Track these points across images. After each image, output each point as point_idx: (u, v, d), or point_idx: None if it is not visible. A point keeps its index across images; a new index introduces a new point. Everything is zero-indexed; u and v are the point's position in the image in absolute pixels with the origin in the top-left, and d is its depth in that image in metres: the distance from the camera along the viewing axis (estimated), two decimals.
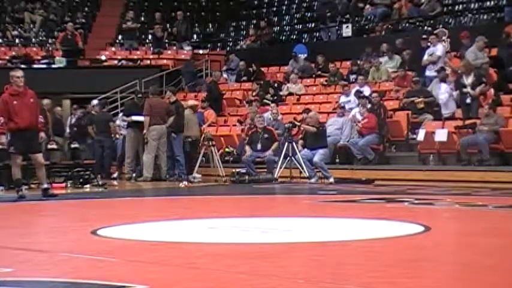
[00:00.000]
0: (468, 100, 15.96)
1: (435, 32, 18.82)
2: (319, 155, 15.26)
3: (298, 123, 16.33)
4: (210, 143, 16.49)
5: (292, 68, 21.70)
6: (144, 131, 16.15)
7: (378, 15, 22.10)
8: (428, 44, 18.25)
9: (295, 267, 5.36)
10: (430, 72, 17.80)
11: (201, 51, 25.22)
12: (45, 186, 12.13)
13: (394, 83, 18.77)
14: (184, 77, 23.27)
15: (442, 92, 16.56)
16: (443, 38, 18.54)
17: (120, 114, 18.79)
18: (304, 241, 6.82)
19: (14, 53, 23.76)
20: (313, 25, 24.53)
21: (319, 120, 16.04)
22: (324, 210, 10.16)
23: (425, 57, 17.97)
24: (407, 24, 21.61)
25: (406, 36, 19.99)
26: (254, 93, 20.72)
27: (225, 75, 23.34)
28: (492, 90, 16.15)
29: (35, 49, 24.76)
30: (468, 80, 16.02)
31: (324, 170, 15.23)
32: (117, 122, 18.51)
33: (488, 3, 20.89)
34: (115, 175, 17.45)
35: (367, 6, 22.58)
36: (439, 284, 4.77)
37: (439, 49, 17.85)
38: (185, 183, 15.23)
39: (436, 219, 9.05)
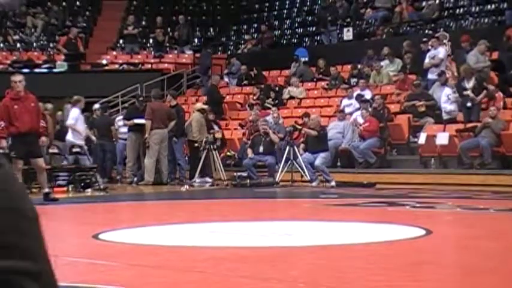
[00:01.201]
0: (469, 104, 15.96)
1: (436, 35, 18.81)
2: (320, 159, 15.26)
3: (300, 127, 16.32)
4: (212, 147, 16.49)
5: (294, 70, 21.70)
6: (146, 135, 16.16)
7: (379, 19, 22.11)
8: (429, 47, 18.25)
9: (297, 271, 5.36)
10: (432, 75, 17.79)
11: None
12: (47, 190, 12.11)
13: (395, 87, 18.77)
14: (199, 68, 23.19)
15: (443, 95, 16.56)
16: (445, 41, 18.54)
17: (120, 117, 18.70)
18: (306, 245, 6.82)
19: (15, 58, 23.72)
20: (314, 29, 24.52)
21: (320, 123, 16.04)
22: (326, 214, 10.16)
23: (427, 60, 17.96)
24: (408, 28, 21.63)
25: (407, 40, 19.98)
26: (255, 97, 20.70)
27: (226, 79, 23.33)
28: (501, 94, 16.13)
29: (36, 53, 24.75)
30: (469, 84, 16.01)
31: (325, 173, 15.23)
32: (116, 126, 18.45)
33: (489, 6, 20.88)
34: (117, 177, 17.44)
35: (368, 9, 22.60)
36: (440, 287, 4.77)
37: (441, 52, 17.84)
38: (186, 187, 15.24)
39: (437, 222, 9.05)
